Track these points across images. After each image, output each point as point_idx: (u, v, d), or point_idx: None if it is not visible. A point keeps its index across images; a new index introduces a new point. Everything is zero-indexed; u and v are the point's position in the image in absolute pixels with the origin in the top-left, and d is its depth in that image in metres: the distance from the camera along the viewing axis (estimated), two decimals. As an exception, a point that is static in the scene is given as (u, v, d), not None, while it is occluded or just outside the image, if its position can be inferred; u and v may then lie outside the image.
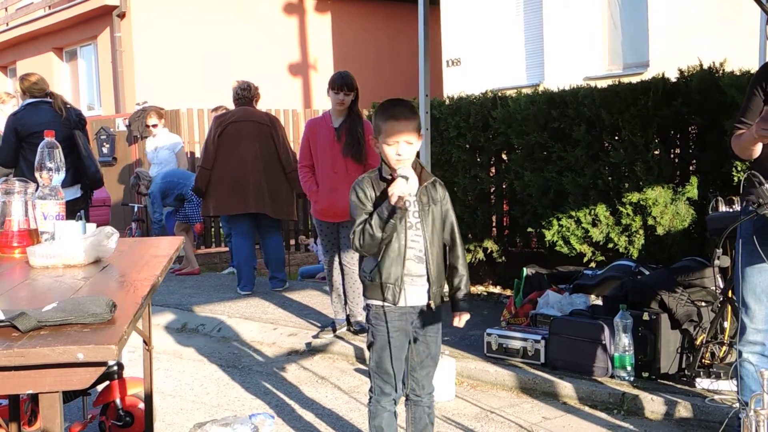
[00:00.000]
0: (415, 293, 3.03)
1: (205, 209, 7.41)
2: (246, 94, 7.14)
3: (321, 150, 5.40)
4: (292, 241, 10.33)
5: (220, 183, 7.05)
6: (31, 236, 2.60)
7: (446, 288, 3.16)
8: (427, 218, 3.03)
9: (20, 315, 1.56)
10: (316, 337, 5.59)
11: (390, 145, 2.97)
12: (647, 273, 5.23)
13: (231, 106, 9.11)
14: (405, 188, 2.87)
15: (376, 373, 3.11)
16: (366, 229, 2.92)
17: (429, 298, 3.05)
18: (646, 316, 4.49)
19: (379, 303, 3.04)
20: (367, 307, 3.13)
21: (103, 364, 1.49)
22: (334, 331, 5.59)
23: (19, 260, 2.48)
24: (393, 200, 2.87)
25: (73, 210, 5.17)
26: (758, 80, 3.22)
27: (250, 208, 7.08)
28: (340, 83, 5.32)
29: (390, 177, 2.96)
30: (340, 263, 5.51)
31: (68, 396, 3.64)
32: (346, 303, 5.59)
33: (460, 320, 3.14)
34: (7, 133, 5.81)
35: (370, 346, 3.14)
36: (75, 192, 5.87)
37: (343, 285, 5.56)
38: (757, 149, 3.14)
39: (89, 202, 6.29)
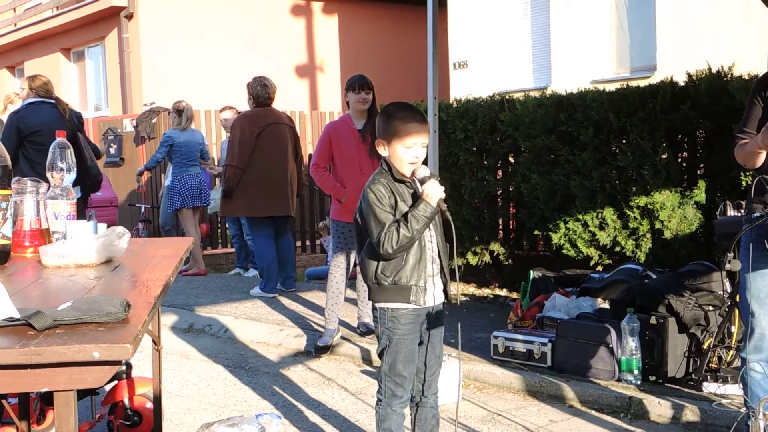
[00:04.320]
0: (432, 293, 3.07)
1: (228, 209, 7.33)
2: (269, 94, 7.12)
3: (346, 152, 5.42)
4: (298, 243, 10.34)
5: (251, 184, 6.99)
6: (43, 236, 2.60)
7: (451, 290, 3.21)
8: (437, 218, 3.07)
9: (36, 314, 1.57)
10: (316, 354, 5.52)
11: (408, 148, 2.97)
12: (654, 277, 5.22)
13: (237, 107, 9.15)
14: (441, 190, 2.93)
15: (389, 376, 3.08)
16: (402, 231, 2.89)
17: (446, 296, 3.12)
18: (653, 320, 4.49)
19: (398, 306, 3.01)
20: (379, 311, 3.10)
21: (118, 362, 1.49)
22: (327, 350, 5.48)
23: (31, 260, 2.49)
24: (434, 202, 2.90)
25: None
26: (758, 89, 3.22)
27: (276, 210, 7.08)
28: (361, 82, 5.39)
29: (408, 179, 2.99)
30: (356, 263, 5.53)
31: (77, 395, 3.65)
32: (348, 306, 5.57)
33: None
34: (9, 131, 5.79)
35: (383, 350, 3.10)
36: (76, 193, 5.89)
37: (356, 286, 5.59)
38: (761, 158, 3.13)
39: (87, 204, 6.34)
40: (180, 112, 8.71)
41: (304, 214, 10.29)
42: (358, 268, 5.55)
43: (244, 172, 6.99)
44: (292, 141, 7.23)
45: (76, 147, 5.86)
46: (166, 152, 8.58)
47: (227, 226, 9.58)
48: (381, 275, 3.01)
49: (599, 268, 6.19)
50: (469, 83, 11.45)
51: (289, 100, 13.22)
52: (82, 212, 6.07)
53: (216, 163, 9.80)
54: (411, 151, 2.96)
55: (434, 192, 2.90)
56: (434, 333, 3.12)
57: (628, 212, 5.89)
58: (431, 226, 3.03)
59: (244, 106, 7.64)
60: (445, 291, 3.14)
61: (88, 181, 6.02)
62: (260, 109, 7.10)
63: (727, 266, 3.29)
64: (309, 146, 11.70)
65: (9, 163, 2.55)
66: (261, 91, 7.07)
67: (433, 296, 3.06)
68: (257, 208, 7.08)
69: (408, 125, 2.98)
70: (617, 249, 6.04)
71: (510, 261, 7.14)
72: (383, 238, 2.90)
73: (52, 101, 5.89)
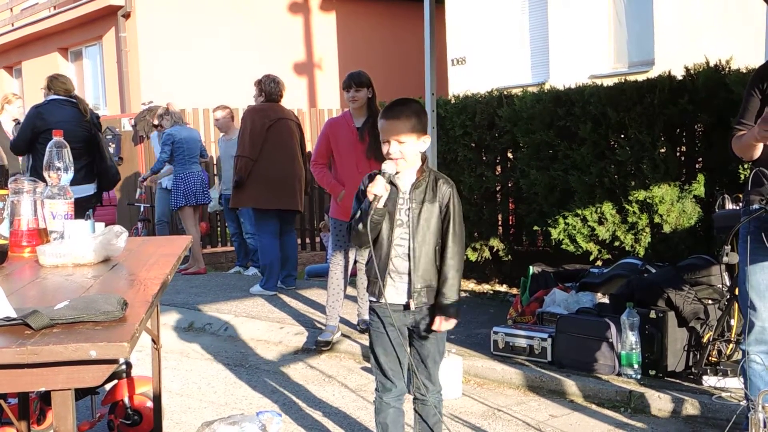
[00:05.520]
0: (398, 292, 3.05)
1: (239, 200, 7.28)
2: (280, 91, 7.15)
3: (344, 150, 5.41)
4: (298, 240, 10.33)
5: (261, 176, 6.96)
6: (41, 235, 2.61)
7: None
8: (418, 216, 3.00)
9: (33, 313, 1.57)
10: (317, 349, 5.53)
11: (383, 143, 3.01)
12: (654, 271, 5.23)
13: (237, 105, 9.15)
14: (380, 187, 2.91)
15: (376, 368, 3.16)
16: (353, 223, 3.02)
17: (408, 297, 3.04)
18: (652, 314, 4.49)
19: (372, 298, 3.11)
20: None
21: (115, 361, 1.49)
22: (327, 345, 5.48)
23: (29, 259, 2.49)
24: (370, 198, 2.93)
25: (86, 207, 5.31)
26: (756, 81, 3.22)
27: (284, 204, 7.07)
28: (348, 81, 5.36)
29: (379, 173, 3.00)
30: (356, 261, 5.52)
31: (77, 395, 3.65)
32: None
33: (439, 324, 3.03)
34: (26, 124, 5.92)
35: (369, 341, 3.20)
36: (89, 189, 6.00)
37: (356, 283, 5.60)
38: (758, 150, 3.13)
39: (101, 202, 6.47)
40: (166, 113, 8.76)
41: (304, 212, 10.28)
42: (357, 265, 5.57)
43: (255, 164, 6.97)
44: (299, 137, 7.25)
45: (98, 148, 5.99)
46: (170, 150, 8.58)
47: (227, 224, 9.58)
48: (365, 266, 3.16)
49: (599, 262, 6.18)
50: (467, 79, 11.45)
51: (287, 97, 13.18)
52: (94, 210, 6.16)
53: (215, 161, 9.80)
54: (384, 147, 3.01)
55: (370, 188, 2.94)
56: (421, 332, 3.09)
57: (627, 207, 5.89)
58: (409, 225, 3.01)
59: (243, 104, 7.64)
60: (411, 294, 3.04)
61: (106, 181, 6.17)
62: (270, 104, 7.13)
63: (725, 259, 3.30)
64: (308, 144, 11.70)
65: (6, 162, 2.55)
66: (273, 88, 7.11)
67: (405, 294, 3.04)
68: (266, 201, 7.05)
69: (380, 121, 3.08)
70: (616, 243, 6.04)
71: (509, 256, 7.14)
72: (347, 229, 3.13)
73: (74, 100, 5.98)
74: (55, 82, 6.00)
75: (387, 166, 2.96)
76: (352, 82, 5.33)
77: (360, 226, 2.98)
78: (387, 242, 3.01)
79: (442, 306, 3.03)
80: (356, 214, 3.04)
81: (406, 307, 3.04)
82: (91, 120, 6.03)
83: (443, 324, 3.03)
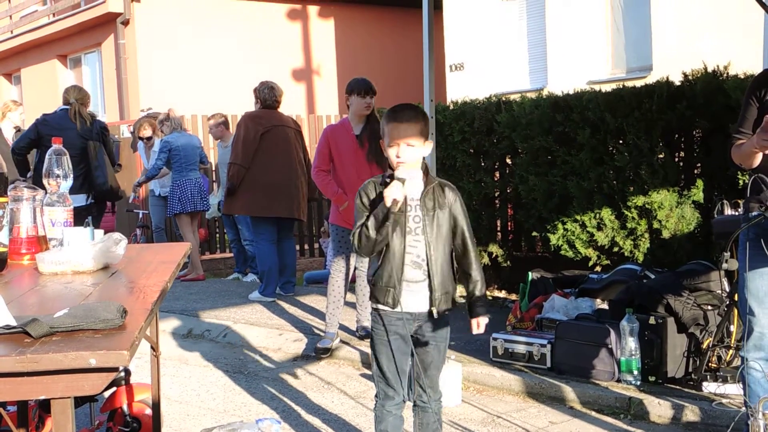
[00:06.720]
0: (413, 299, 3.03)
1: (231, 207, 7.26)
2: (276, 97, 7.14)
3: (344, 156, 5.41)
4: (297, 246, 10.33)
5: (255, 183, 6.95)
6: (40, 243, 2.60)
7: (456, 293, 3.15)
8: (432, 223, 3.01)
9: (32, 321, 1.56)
10: (316, 356, 5.52)
11: (391, 147, 2.97)
12: (653, 277, 5.23)
13: (232, 112, 9.15)
14: (399, 191, 2.88)
15: (378, 376, 3.13)
16: (363, 230, 2.95)
17: (431, 305, 3.04)
18: (652, 320, 4.49)
19: (379, 306, 3.05)
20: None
21: (115, 369, 1.49)
22: (327, 352, 5.48)
23: (28, 267, 2.48)
24: (387, 203, 2.89)
25: (79, 217, 5.33)
26: (753, 89, 3.22)
27: (279, 212, 7.05)
28: (366, 87, 5.35)
29: (389, 180, 2.96)
30: (355, 267, 5.50)
31: (76, 402, 3.64)
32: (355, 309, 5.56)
33: (479, 326, 3.12)
34: (30, 128, 6.30)
35: (372, 349, 3.15)
36: (82, 200, 6.03)
37: (355, 289, 5.59)
38: (758, 158, 3.13)
39: (101, 212, 6.54)
40: (166, 119, 8.76)
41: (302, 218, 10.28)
42: (357, 272, 5.56)
43: (248, 171, 6.95)
44: (300, 145, 7.22)
45: (86, 155, 6.11)
46: (167, 158, 8.58)
47: (225, 230, 9.57)
48: (368, 274, 3.10)
49: (598, 268, 6.19)
50: (465, 85, 11.46)
51: (286, 104, 13.18)
52: (97, 220, 6.24)
53: (214, 167, 9.81)
54: (393, 150, 2.97)
55: (389, 192, 2.88)
56: (428, 338, 3.08)
57: (626, 212, 5.89)
58: (419, 231, 3.00)
59: (241, 110, 7.64)
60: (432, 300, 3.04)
61: (93, 189, 6.25)
62: (266, 111, 7.11)
63: (724, 266, 3.29)
64: (308, 150, 11.70)
65: (5, 170, 2.54)
66: (268, 94, 7.10)
67: (417, 302, 3.03)
68: (260, 208, 7.03)
69: (389, 125, 3.00)
70: (615, 249, 6.04)
71: (508, 262, 7.14)
72: (352, 237, 3.01)
73: (81, 110, 6.24)
74: (64, 93, 6.34)
75: (402, 172, 2.94)
76: (371, 89, 5.35)
77: (373, 232, 2.92)
78: (400, 250, 2.99)
79: (477, 307, 3.10)
80: (363, 221, 2.97)
81: (429, 314, 3.05)
82: (92, 128, 6.12)
83: (481, 323, 3.11)
